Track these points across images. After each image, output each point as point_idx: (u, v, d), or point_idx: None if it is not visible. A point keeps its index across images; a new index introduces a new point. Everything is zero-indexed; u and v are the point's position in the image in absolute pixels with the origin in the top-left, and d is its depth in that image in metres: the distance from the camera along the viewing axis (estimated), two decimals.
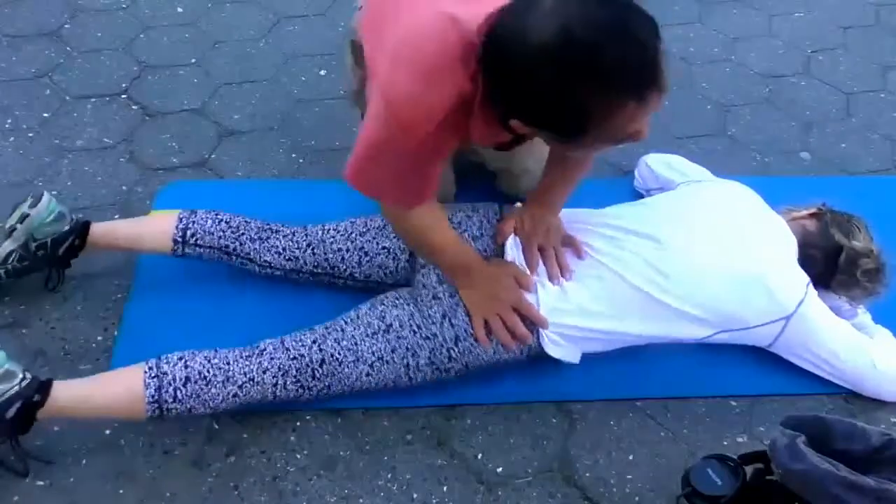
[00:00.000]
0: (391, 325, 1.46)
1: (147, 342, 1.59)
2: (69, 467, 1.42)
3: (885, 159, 2.22)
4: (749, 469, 1.28)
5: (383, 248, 1.62)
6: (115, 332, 1.63)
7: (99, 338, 1.62)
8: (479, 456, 1.48)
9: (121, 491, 1.40)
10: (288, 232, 1.66)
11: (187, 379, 1.37)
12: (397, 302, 1.50)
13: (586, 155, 1.51)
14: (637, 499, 1.43)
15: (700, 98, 2.39)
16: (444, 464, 1.46)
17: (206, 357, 1.40)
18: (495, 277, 1.50)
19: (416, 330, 1.46)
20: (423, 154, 1.28)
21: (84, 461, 1.43)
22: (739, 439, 1.53)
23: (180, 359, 1.39)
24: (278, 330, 1.49)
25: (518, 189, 1.85)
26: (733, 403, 1.59)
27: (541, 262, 1.52)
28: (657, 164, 1.94)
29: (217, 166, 2.05)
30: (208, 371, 1.38)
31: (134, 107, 2.21)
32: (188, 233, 1.61)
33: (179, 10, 2.59)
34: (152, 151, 2.07)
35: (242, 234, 1.63)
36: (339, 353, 1.44)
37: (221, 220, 1.64)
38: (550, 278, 1.50)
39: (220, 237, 1.62)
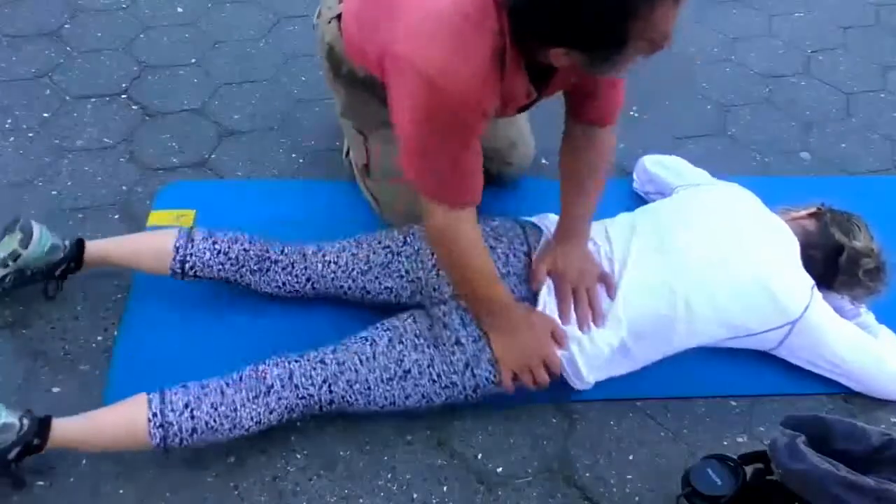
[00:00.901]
0: (409, 370, 1.42)
1: (147, 342, 1.60)
2: (69, 467, 1.41)
3: (885, 159, 2.22)
4: (749, 469, 1.28)
5: (386, 287, 1.57)
6: (115, 332, 1.62)
7: (99, 338, 1.62)
8: (479, 456, 1.48)
9: (121, 491, 1.39)
10: (287, 263, 1.59)
11: (193, 430, 1.34)
12: (417, 343, 1.44)
13: (617, 79, 1.45)
14: (637, 499, 1.43)
15: (700, 98, 2.39)
16: (444, 464, 1.46)
17: (212, 405, 1.35)
18: (531, 329, 1.46)
19: (436, 379, 1.43)
20: (469, 126, 1.27)
21: (84, 461, 1.43)
22: (739, 439, 1.53)
23: (186, 406, 1.34)
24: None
25: (511, 168, 1.87)
26: (733, 403, 1.58)
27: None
28: (655, 165, 1.94)
29: (217, 166, 2.05)
30: (215, 420, 1.35)
31: (134, 107, 2.21)
32: (186, 265, 1.56)
33: (179, 10, 2.59)
34: (152, 151, 2.07)
35: (242, 266, 1.58)
36: (350, 397, 1.41)
37: (220, 251, 1.57)
38: (580, 324, 1.48)
39: (219, 270, 1.58)
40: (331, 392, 1.40)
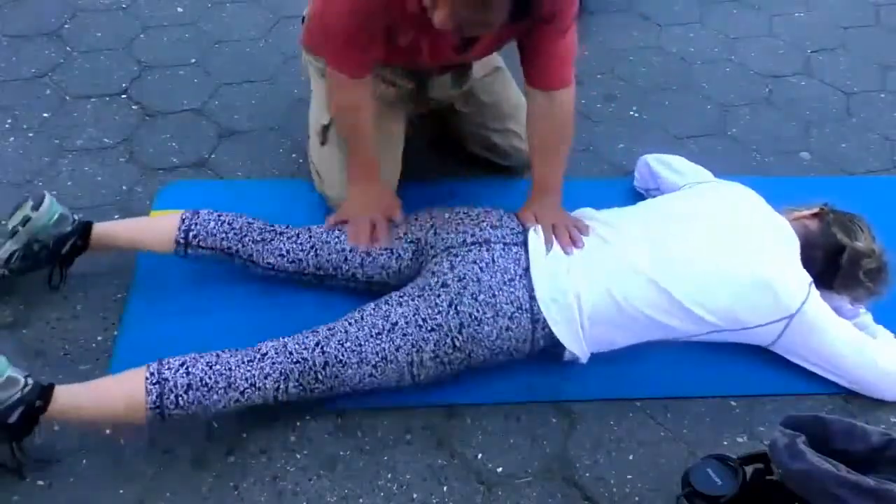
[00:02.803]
0: (396, 323, 1.46)
1: (147, 342, 1.59)
2: (69, 467, 1.41)
3: (885, 159, 2.22)
4: (749, 469, 1.28)
5: (386, 247, 1.63)
6: (115, 332, 1.63)
7: (99, 338, 1.62)
8: (479, 456, 1.48)
9: (121, 491, 1.39)
10: (292, 234, 1.66)
11: (189, 386, 1.36)
12: (402, 300, 1.50)
13: (557, 35, 1.58)
14: (637, 499, 1.43)
15: (700, 98, 2.39)
16: (444, 464, 1.46)
17: (207, 363, 1.39)
18: (380, 196, 1.72)
19: (421, 324, 1.46)
20: (365, 16, 1.50)
21: (84, 461, 1.43)
22: (739, 439, 1.53)
23: (182, 365, 1.38)
24: (279, 330, 1.49)
25: (517, 139, 1.94)
26: (733, 403, 1.58)
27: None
28: (657, 164, 1.94)
29: (217, 166, 2.05)
30: (210, 377, 1.38)
31: (134, 107, 2.21)
32: (190, 234, 1.62)
33: (179, 10, 2.59)
34: (152, 151, 2.07)
35: (245, 235, 1.64)
36: (343, 356, 1.44)
37: (224, 221, 1.65)
38: (563, 247, 1.55)
39: (222, 238, 1.63)
40: (324, 353, 1.43)
